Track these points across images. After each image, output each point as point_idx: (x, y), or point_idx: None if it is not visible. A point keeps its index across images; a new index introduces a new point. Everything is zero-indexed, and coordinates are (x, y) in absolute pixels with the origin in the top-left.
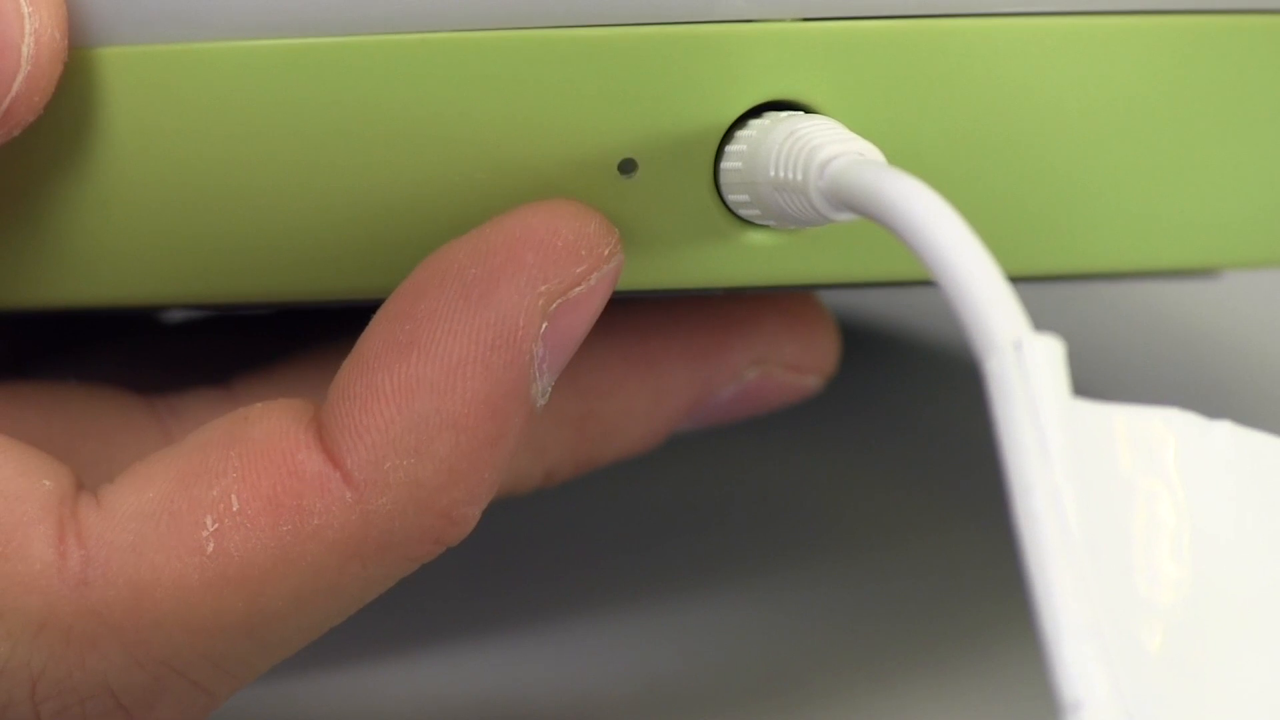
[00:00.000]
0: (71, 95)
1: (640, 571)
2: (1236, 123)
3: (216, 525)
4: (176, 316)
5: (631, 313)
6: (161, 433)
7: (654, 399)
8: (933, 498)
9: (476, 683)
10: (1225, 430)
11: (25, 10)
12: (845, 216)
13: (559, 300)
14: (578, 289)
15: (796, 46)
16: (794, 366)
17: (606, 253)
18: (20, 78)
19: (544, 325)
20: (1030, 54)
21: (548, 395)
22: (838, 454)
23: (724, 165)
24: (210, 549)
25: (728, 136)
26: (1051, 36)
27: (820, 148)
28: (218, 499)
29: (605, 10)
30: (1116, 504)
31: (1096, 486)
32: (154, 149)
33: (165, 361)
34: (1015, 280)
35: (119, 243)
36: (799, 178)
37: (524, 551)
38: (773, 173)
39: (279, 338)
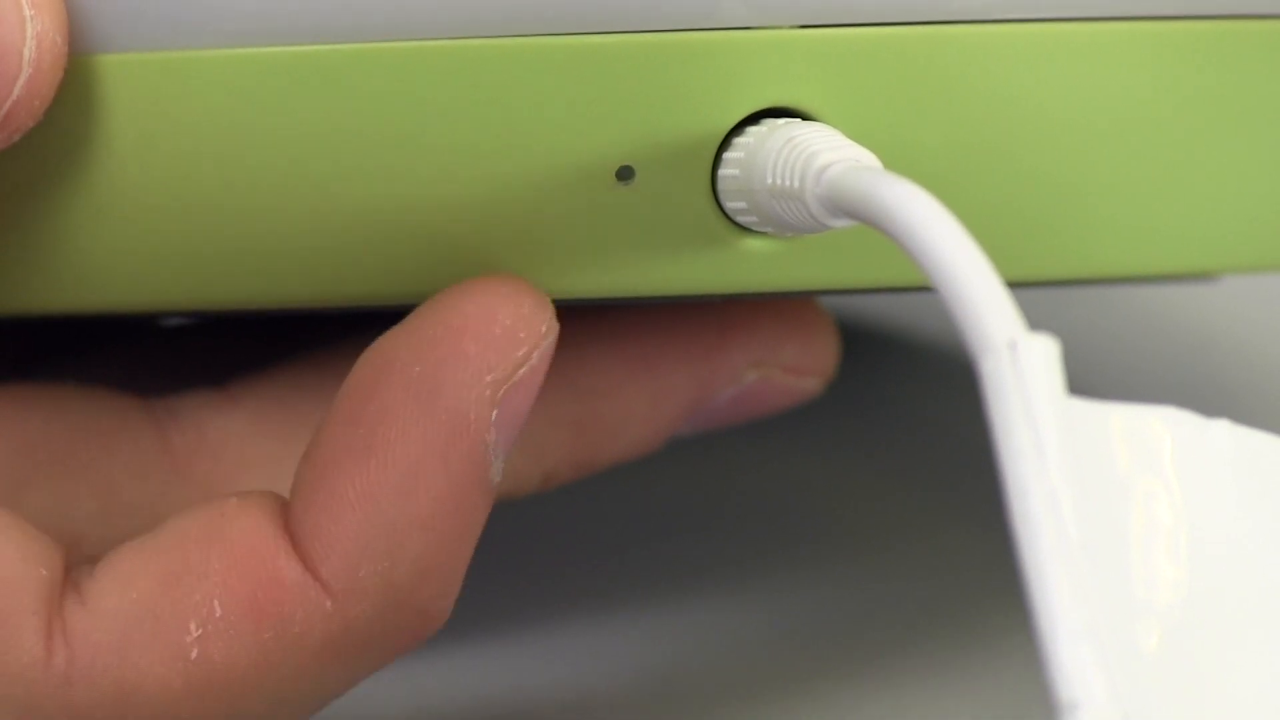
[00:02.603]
0: (71, 101)
1: (640, 571)
2: (1234, 127)
3: (200, 631)
4: (175, 320)
5: (630, 315)
6: (159, 435)
7: (653, 401)
8: (931, 499)
9: (476, 683)
10: (1223, 429)
11: (27, 14)
12: (842, 223)
13: (505, 386)
14: (521, 370)
15: (794, 54)
16: (793, 369)
17: (544, 329)
18: (21, 81)
19: (495, 413)
20: (1027, 60)
21: (503, 469)
22: (836, 455)
23: (722, 172)
24: (194, 654)
25: (725, 143)
26: (1048, 43)
27: (817, 154)
28: (200, 603)
29: (603, 18)
30: (1113, 504)
31: (1093, 486)
32: (153, 155)
33: (164, 365)
34: (1014, 286)
35: (118, 249)
36: (796, 185)
37: (523, 552)
38: (770, 180)
39: (277, 341)
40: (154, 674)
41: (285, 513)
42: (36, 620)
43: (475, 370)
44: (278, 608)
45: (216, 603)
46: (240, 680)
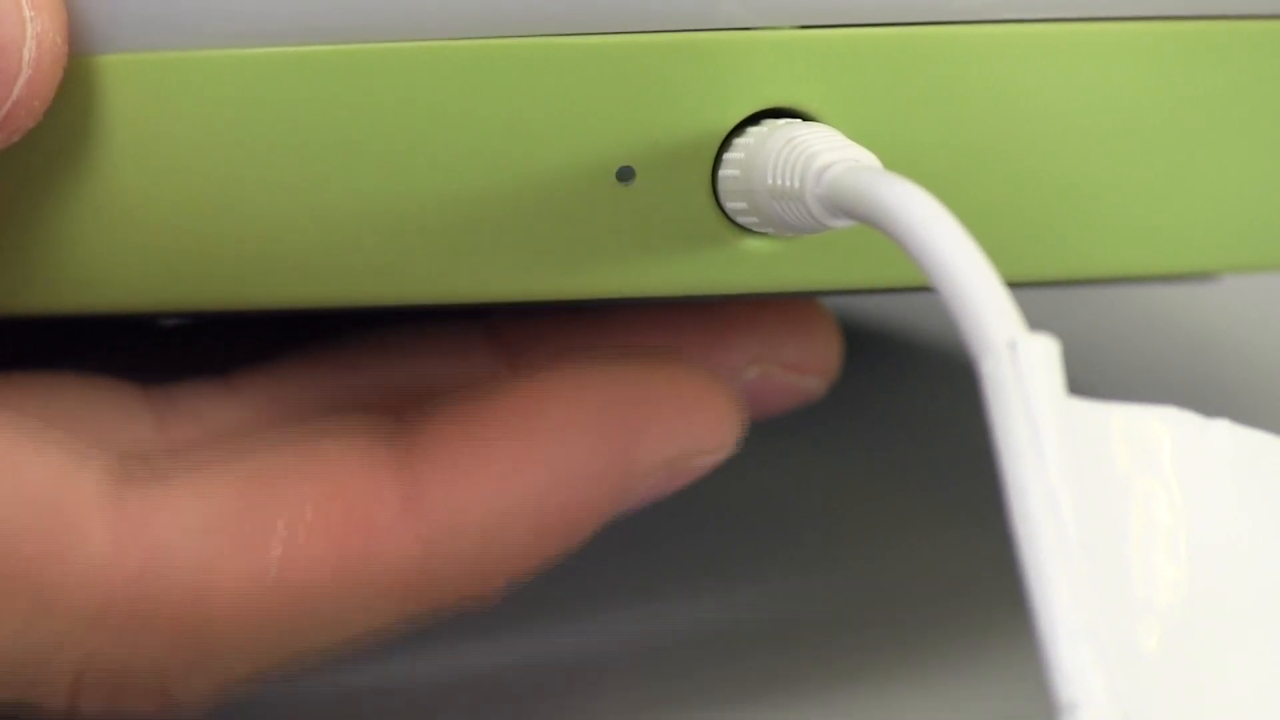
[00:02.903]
0: (71, 102)
1: (640, 570)
2: (1234, 127)
3: (285, 541)
4: (174, 319)
5: (630, 312)
6: (158, 422)
7: None
8: (931, 499)
9: (474, 681)
10: (1223, 429)
11: (27, 14)
12: (842, 223)
13: (677, 466)
14: (694, 462)
15: (794, 54)
16: (794, 367)
17: (731, 445)
18: (21, 81)
19: (653, 484)
20: (1027, 61)
21: None
22: (836, 455)
23: (722, 173)
24: (273, 563)
25: (726, 144)
26: (1048, 43)
27: (817, 155)
28: (289, 515)
29: (603, 18)
30: (1113, 503)
31: (1093, 486)
32: (153, 155)
33: (163, 364)
34: (1014, 286)
35: (118, 249)
36: (796, 185)
37: None
38: (770, 180)
39: (278, 339)
40: (230, 578)
41: (394, 442)
42: (99, 522)
43: (669, 439)
44: (368, 528)
45: (306, 511)
46: (312, 594)
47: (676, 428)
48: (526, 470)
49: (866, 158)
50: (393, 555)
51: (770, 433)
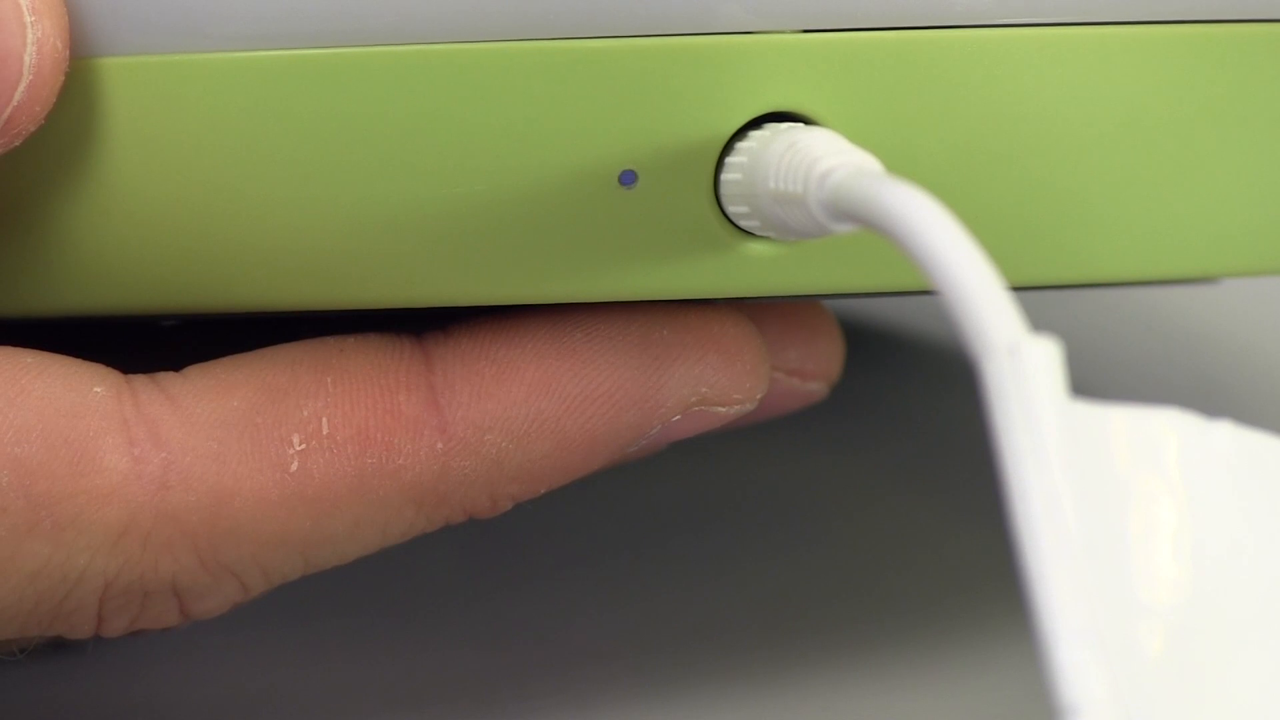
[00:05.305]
0: (73, 105)
1: (640, 570)
2: (1235, 131)
3: (303, 446)
4: (174, 320)
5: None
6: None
7: None
8: (932, 500)
9: (474, 682)
10: (1225, 430)
11: (28, 19)
12: (845, 227)
13: (702, 407)
14: (719, 409)
15: (797, 58)
16: (797, 372)
17: (757, 395)
18: (23, 87)
19: (678, 417)
20: (1029, 64)
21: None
22: (837, 455)
23: (724, 177)
24: (293, 468)
25: (728, 148)
26: (1050, 47)
27: (820, 159)
28: (307, 420)
29: (606, 22)
30: (1115, 505)
31: (1095, 488)
32: (154, 158)
33: (163, 366)
34: (1016, 290)
35: (119, 251)
36: (799, 189)
37: (524, 551)
38: (772, 184)
39: (277, 342)
40: (252, 482)
41: (416, 352)
42: (111, 437)
43: (700, 376)
44: (387, 436)
45: (325, 421)
46: (332, 500)
47: (705, 367)
48: (549, 391)
49: (869, 162)
50: (409, 468)
51: (771, 433)
